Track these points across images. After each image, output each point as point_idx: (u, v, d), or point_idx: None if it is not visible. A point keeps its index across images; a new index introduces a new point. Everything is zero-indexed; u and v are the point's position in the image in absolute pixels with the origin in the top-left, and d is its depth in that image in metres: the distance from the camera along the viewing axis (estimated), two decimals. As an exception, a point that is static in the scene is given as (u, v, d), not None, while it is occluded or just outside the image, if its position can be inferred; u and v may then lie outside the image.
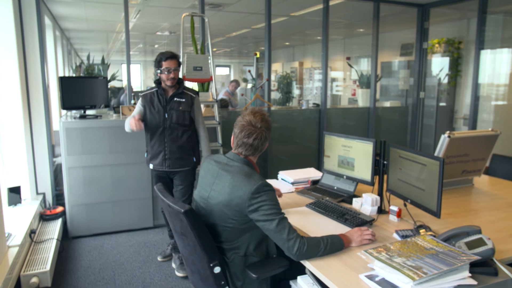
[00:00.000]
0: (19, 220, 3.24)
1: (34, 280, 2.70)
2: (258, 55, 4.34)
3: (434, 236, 1.67)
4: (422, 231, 1.84)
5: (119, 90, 6.81)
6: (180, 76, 3.56)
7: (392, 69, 7.25)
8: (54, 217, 3.73)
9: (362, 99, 5.81)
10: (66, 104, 3.73)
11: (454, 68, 5.89)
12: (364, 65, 8.64)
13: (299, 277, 1.82)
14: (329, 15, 5.06)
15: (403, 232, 1.88)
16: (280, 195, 2.51)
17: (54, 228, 3.51)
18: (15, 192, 3.53)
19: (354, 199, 2.36)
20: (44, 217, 3.70)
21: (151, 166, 3.14)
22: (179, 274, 3.08)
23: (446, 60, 5.95)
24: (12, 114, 3.62)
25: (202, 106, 4.29)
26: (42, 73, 3.92)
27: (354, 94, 8.67)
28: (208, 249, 1.68)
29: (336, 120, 5.48)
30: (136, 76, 16.52)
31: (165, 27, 8.15)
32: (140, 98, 3.10)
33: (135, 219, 3.91)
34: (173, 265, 3.21)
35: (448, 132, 2.51)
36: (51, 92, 4.69)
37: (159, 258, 3.35)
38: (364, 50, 8.79)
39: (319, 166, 4.74)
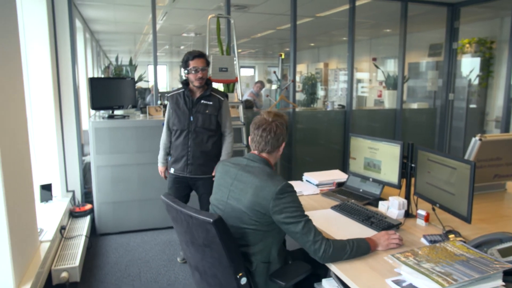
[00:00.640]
0: (50, 216, 3.34)
1: (64, 274, 2.78)
2: (283, 56, 4.33)
3: (465, 242, 1.62)
4: (451, 236, 1.79)
5: (145, 90, 6.93)
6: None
7: (420, 70, 7.10)
8: (83, 214, 3.83)
9: (389, 100, 5.71)
10: (95, 104, 3.83)
11: (486, 69, 5.71)
12: (391, 66, 8.49)
13: (324, 280, 1.80)
14: (355, 15, 5.00)
15: (432, 237, 1.84)
16: None
17: (83, 225, 3.61)
18: (46, 189, 3.65)
19: (380, 202, 2.32)
20: (73, 214, 3.81)
21: (171, 170, 3.01)
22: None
23: (477, 61, 5.78)
24: (44, 114, 3.74)
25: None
26: (73, 74, 4.04)
27: (380, 96, 8.53)
28: (235, 259, 1.61)
29: (361, 122, 5.41)
30: (162, 77, 16.81)
31: (190, 28, 8.25)
32: (168, 100, 3.04)
33: (160, 218, 3.97)
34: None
35: (479, 135, 2.43)
36: (80, 93, 4.82)
37: (178, 260, 3.35)
38: (390, 50, 8.64)
39: (344, 168, 4.70)
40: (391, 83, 5.64)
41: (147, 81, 6.94)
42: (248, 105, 5.23)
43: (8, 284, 2.07)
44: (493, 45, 5.65)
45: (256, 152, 1.86)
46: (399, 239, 1.79)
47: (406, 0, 5.16)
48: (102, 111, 4.11)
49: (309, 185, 2.84)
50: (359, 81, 9.69)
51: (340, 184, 2.77)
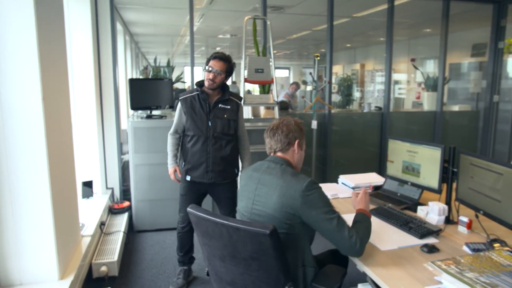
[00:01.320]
0: (91, 212, 3.48)
1: (103, 269, 2.88)
2: (318, 57, 4.29)
3: (511, 252, 1.54)
4: (496, 245, 1.71)
5: (181, 91, 7.06)
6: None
7: (462, 71, 6.83)
8: (121, 211, 3.96)
9: (428, 102, 5.53)
10: (134, 104, 3.95)
11: (534, 70, 5.42)
12: (430, 67, 8.24)
13: (359, 285, 1.77)
14: (394, 15, 4.88)
15: (475, 245, 1.76)
16: None
17: (121, 221, 3.72)
18: (88, 186, 3.79)
19: (419, 207, 2.26)
20: (112, 211, 3.94)
21: (188, 178, 2.80)
22: None
23: (524, 61, 5.49)
24: (87, 114, 3.90)
25: (262, 108, 4.34)
26: (114, 75, 4.18)
27: (418, 97, 8.29)
28: (286, 270, 1.55)
29: (399, 124, 5.27)
30: (199, 78, 17.05)
31: (226, 30, 8.35)
32: (179, 103, 2.78)
33: (195, 216, 4.02)
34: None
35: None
36: (120, 93, 4.98)
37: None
38: (430, 51, 8.38)
39: (380, 171, 4.60)
40: (431, 84, 5.46)
41: (184, 82, 7.08)
42: (283, 106, 5.22)
43: (53, 276, 2.17)
44: (543, 45, 5.34)
45: (272, 153, 1.88)
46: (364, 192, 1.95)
47: (448, -1, 4.99)
48: (140, 111, 4.22)
49: (345, 188, 2.80)
50: (396, 82, 9.46)
51: (377, 188, 2.72)
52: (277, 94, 3.96)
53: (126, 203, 4.04)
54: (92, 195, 3.83)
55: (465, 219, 2.00)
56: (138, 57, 11.30)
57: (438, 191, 2.27)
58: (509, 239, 1.84)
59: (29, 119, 2.01)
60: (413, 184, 2.44)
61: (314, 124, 4.26)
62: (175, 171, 2.87)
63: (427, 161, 2.34)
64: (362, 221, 1.77)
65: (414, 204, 2.36)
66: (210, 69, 2.63)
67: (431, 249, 1.76)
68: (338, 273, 1.76)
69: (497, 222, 1.86)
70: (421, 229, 1.95)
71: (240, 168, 2.91)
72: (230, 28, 8.13)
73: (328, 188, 2.73)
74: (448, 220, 2.12)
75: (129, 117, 4.17)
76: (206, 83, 2.66)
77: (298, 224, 1.68)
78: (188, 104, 2.73)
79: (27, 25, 1.94)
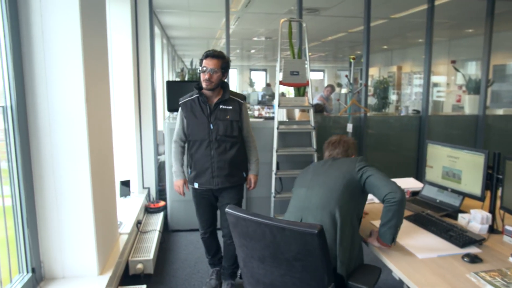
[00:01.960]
0: (128, 210, 3.58)
1: (140, 266, 2.95)
2: (354, 59, 4.23)
3: (562, 265, 1.46)
4: (545, 257, 1.62)
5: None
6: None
7: (507, 73, 6.53)
8: (157, 210, 4.05)
9: (469, 105, 5.31)
10: (171, 106, 4.03)
11: None
12: (472, 69, 7.93)
13: (396, 293, 1.73)
14: (434, 15, 4.73)
15: (521, 257, 1.67)
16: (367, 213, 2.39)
17: (157, 221, 3.81)
18: (125, 185, 3.91)
19: (460, 215, 2.17)
20: (148, 210, 4.04)
21: (196, 185, 2.69)
22: None
23: None
24: (126, 115, 4.02)
25: (297, 111, 4.32)
26: (152, 78, 4.30)
27: (459, 101, 7.99)
28: (329, 270, 1.52)
29: (438, 128, 5.09)
30: (233, 80, 17.26)
31: (261, 32, 8.39)
32: (180, 108, 2.70)
33: (228, 217, 4.05)
34: None
35: None
36: (157, 95, 5.10)
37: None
38: (472, 52, 8.06)
39: (417, 176, 4.46)
40: (473, 87, 5.25)
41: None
42: (318, 109, 5.17)
43: (93, 271, 2.25)
44: None
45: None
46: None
47: (493, -2, 4.79)
48: (176, 113, 4.30)
49: (381, 193, 2.73)
50: (435, 85, 9.16)
51: (414, 193, 2.64)
52: (312, 96, 3.92)
53: (162, 203, 4.13)
54: (129, 194, 3.95)
55: (511, 228, 1.90)
56: (175, 60, 11.56)
57: (481, 199, 2.17)
58: (560, 251, 1.74)
59: (73, 120, 2.09)
60: (454, 191, 2.35)
61: (350, 127, 4.20)
62: (184, 183, 2.75)
63: (469, 167, 2.25)
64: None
65: (454, 212, 2.27)
66: (204, 69, 2.51)
67: (474, 259, 1.68)
68: (374, 270, 1.74)
69: (546, 233, 1.76)
70: (462, 238, 1.87)
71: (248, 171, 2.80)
72: (265, 31, 8.16)
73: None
74: (492, 230, 2.02)
75: (165, 119, 4.26)
76: (203, 85, 2.55)
77: (360, 186, 1.95)
78: (188, 108, 2.65)
79: (72, 28, 2.02)
